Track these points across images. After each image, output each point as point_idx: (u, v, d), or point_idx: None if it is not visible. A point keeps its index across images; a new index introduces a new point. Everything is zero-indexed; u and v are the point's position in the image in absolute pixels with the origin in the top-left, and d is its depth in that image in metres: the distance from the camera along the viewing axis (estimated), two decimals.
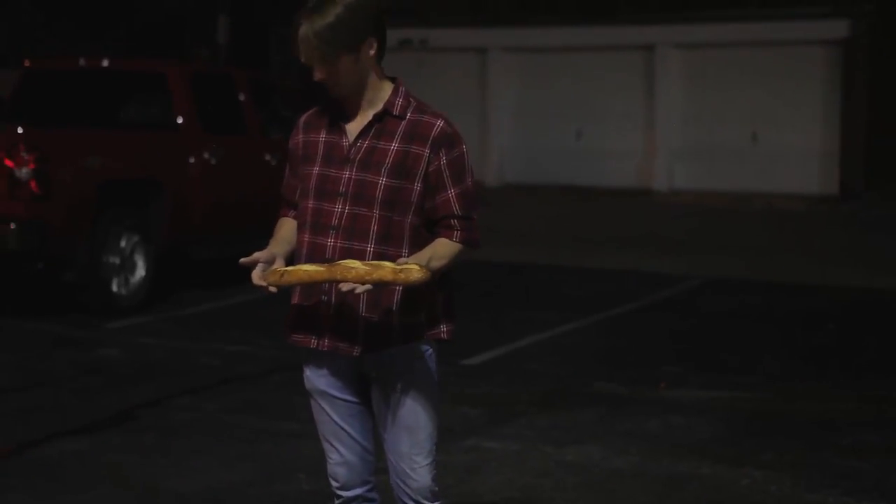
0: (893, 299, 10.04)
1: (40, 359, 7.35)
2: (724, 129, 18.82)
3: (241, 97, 10.18)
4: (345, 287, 2.99)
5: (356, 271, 2.98)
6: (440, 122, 3.17)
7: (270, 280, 3.09)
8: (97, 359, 7.35)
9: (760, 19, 18.28)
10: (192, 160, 9.43)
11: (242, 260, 3.17)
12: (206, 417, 6.03)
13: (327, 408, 3.31)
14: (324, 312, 3.18)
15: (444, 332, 3.26)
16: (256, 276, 3.13)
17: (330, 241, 3.15)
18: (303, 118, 3.34)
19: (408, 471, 3.28)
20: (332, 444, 3.33)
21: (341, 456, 3.32)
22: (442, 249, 3.16)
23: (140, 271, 8.89)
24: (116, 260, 8.69)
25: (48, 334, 8.03)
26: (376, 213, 3.14)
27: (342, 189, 3.16)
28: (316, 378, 3.30)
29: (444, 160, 3.16)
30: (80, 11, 17.54)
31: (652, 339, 8.25)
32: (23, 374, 6.96)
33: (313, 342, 3.22)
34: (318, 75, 3.14)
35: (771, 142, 18.48)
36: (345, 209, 3.15)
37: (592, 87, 19.43)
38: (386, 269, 2.97)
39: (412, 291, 3.14)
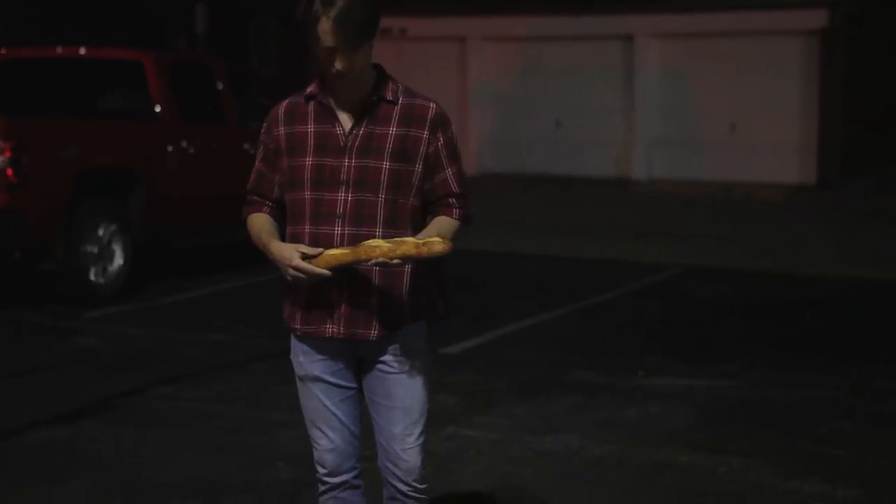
0: (871, 288, 10.10)
1: (19, 348, 7.32)
2: (703, 119, 18.87)
3: (219, 86, 10.15)
4: (376, 261, 3.03)
5: (381, 249, 3.04)
6: (433, 105, 3.25)
7: (322, 267, 3.11)
8: (76, 348, 7.33)
9: (739, 9, 18.33)
10: (170, 149, 9.40)
11: (304, 248, 3.12)
12: (187, 406, 6.02)
13: (320, 393, 3.31)
14: (336, 299, 3.19)
15: (441, 309, 3.33)
16: (304, 264, 3.09)
17: (337, 230, 3.17)
18: (281, 110, 3.30)
19: (399, 452, 3.31)
20: (321, 431, 3.34)
21: (330, 442, 3.34)
22: (446, 226, 3.22)
23: (118, 260, 8.87)
24: (94, 249, 8.66)
25: (26, 324, 8.00)
26: (381, 197, 3.17)
27: (343, 177, 3.17)
28: (310, 364, 3.30)
29: (441, 141, 3.23)
30: (58, 4, 17.44)
31: (631, 328, 8.28)
32: (1, 363, 6.93)
33: (329, 330, 3.22)
34: (339, 65, 3.10)
35: (749, 132, 18.54)
36: (348, 196, 3.17)
37: (572, 77, 19.45)
38: (409, 244, 3.04)
39: (419, 271, 3.20)
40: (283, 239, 3.27)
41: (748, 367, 7.10)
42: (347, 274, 3.15)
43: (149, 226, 9.18)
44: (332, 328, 3.22)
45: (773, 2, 18.12)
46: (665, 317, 8.72)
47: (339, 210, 3.17)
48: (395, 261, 3.03)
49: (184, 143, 9.50)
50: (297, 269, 3.10)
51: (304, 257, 3.11)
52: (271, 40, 23.79)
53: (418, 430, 3.32)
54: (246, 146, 9.89)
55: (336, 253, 3.09)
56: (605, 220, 14.72)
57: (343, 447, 3.35)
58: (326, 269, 3.09)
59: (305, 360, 3.31)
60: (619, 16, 19.09)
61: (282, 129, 3.27)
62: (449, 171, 3.25)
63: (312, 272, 3.09)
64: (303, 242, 3.19)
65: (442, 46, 20.33)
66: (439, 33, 20.30)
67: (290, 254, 3.12)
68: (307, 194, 3.20)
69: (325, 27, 3.08)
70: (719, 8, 18.42)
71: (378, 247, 3.04)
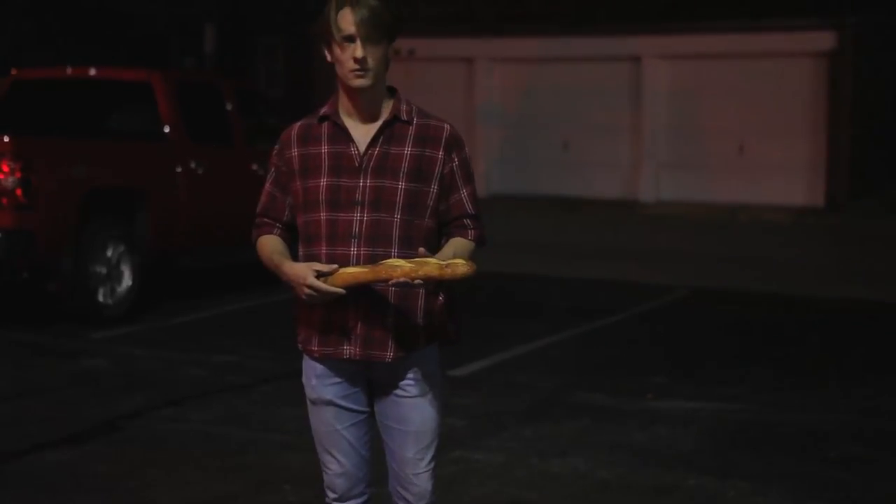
0: (879, 310, 10.07)
1: (25, 369, 7.32)
2: (711, 141, 18.88)
3: (228, 106, 10.18)
4: (396, 280, 3.00)
5: (402, 269, 3.00)
6: (448, 126, 3.26)
7: (336, 286, 3.07)
8: (82, 369, 7.32)
9: (746, 31, 18.35)
10: (178, 169, 9.42)
11: (318, 267, 3.09)
12: (192, 428, 6.01)
13: (332, 418, 3.28)
14: (352, 320, 3.17)
15: (452, 332, 3.31)
16: (319, 283, 3.06)
17: (353, 250, 3.15)
18: (294, 132, 3.28)
19: (411, 476, 3.30)
20: (332, 455, 3.31)
21: (341, 466, 3.31)
22: (462, 248, 3.21)
23: (126, 281, 8.87)
24: (102, 269, 8.66)
25: (33, 344, 8.00)
26: (397, 217, 3.16)
27: (359, 198, 3.16)
28: (323, 388, 3.27)
29: (456, 162, 3.24)
30: (69, 23, 17.53)
31: (638, 350, 8.26)
32: (7, 384, 6.92)
33: (346, 352, 3.20)
34: (359, 52, 3.09)
35: (757, 153, 18.54)
36: (364, 217, 3.16)
37: (579, 98, 19.48)
38: (432, 265, 3.00)
39: (432, 293, 3.19)
40: (295, 260, 3.25)
41: (756, 389, 7.07)
42: (363, 294, 3.13)
43: (156, 246, 9.18)
44: (349, 349, 3.20)
45: (781, 24, 18.14)
46: (672, 339, 8.70)
47: (355, 230, 3.16)
48: (416, 281, 3.01)
49: (192, 164, 9.51)
50: (311, 287, 3.07)
51: (319, 275, 3.08)
52: (279, 60, 23.88)
53: (430, 454, 3.31)
54: (254, 167, 9.92)
55: (354, 271, 3.06)
56: (611, 242, 14.71)
57: (353, 472, 3.32)
58: (343, 287, 3.06)
59: (318, 384, 3.28)
60: (626, 37, 19.13)
61: (295, 151, 3.25)
62: (464, 192, 3.25)
63: (328, 291, 3.07)
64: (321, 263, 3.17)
65: (450, 67, 20.38)
66: (447, 54, 20.35)
67: (304, 272, 3.10)
68: (322, 215, 3.18)
69: (347, 17, 3.09)
70: (727, 30, 18.45)
71: (399, 266, 3.01)
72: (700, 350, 8.30)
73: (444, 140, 3.22)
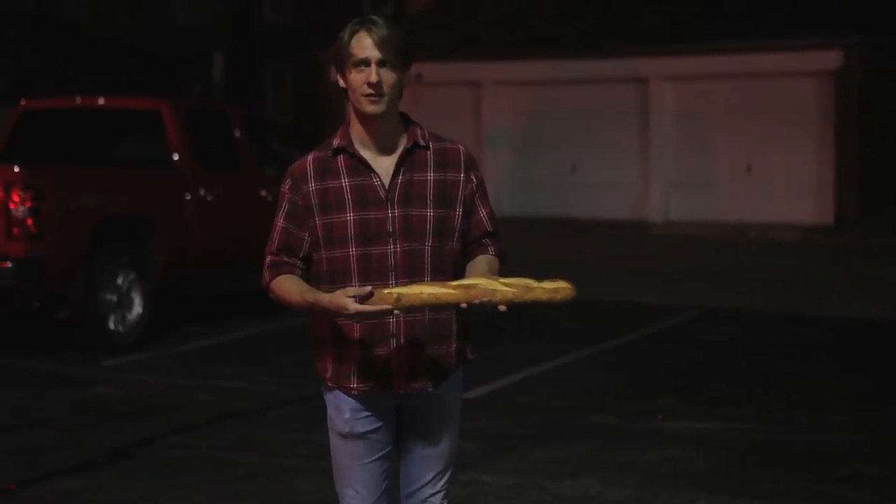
0: (889, 329, 10.05)
1: (36, 397, 7.34)
2: (719, 161, 18.90)
3: (237, 133, 10.23)
4: (500, 307, 2.93)
5: (502, 293, 2.92)
6: (462, 147, 3.24)
7: (384, 304, 2.90)
8: (93, 397, 7.35)
9: (752, 51, 18.39)
10: (188, 197, 9.46)
11: (353, 292, 2.92)
12: (203, 454, 6.02)
13: (361, 450, 3.22)
14: (394, 355, 3.13)
15: (470, 353, 3.31)
16: (354, 304, 2.90)
17: (392, 283, 3.08)
18: (309, 166, 3.15)
19: (429, 497, 3.30)
20: (354, 490, 3.25)
21: (360, 497, 3.26)
22: (493, 266, 3.22)
23: (137, 308, 8.90)
24: (113, 297, 8.70)
25: (44, 372, 8.03)
26: (428, 245, 3.14)
27: (390, 229, 3.11)
28: (356, 421, 3.20)
29: (474, 182, 3.23)
30: (77, 54, 17.65)
31: (648, 371, 8.25)
32: (19, 412, 6.95)
33: (387, 385, 3.13)
34: (374, 76, 3.05)
35: (765, 172, 18.55)
36: (397, 248, 3.12)
37: (587, 120, 19.52)
38: (538, 290, 2.95)
39: (462, 319, 3.17)
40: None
41: (766, 409, 7.06)
42: (399, 324, 3.10)
43: (166, 274, 9.22)
44: (392, 383, 3.14)
45: (787, 44, 18.17)
46: (681, 359, 8.69)
47: (392, 262, 3.10)
48: (501, 308, 2.93)
49: (201, 191, 9.56)
50: (360, 313, 2.93)
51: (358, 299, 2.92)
52: (287, 87, 23.97)
53: (448, 475, 3.33)
54: (263, 193, 9.95)
55: (436, 292, 2.90)
56: (620, 263, 14.70)
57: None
58: (420, 305, 2.94)
59: (352, 418, 3.19)
60: (632, 59, 19.19)
61: (312, 185, 3.13)
62: (483, 212, 3.24)
63: (376, 311, 2.92)
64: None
65: (457, 91, 20.44)
66: (454, 78, 20.42)
67: (343, 302, 2.92)
68: (353, 251, 3.11)
69: (362, 42, 3.06)
70: (733, 50, 18.50)
71: (499, 290, 2.90)
72: (709, 370, 8.29)
73: (462, 162, 3.21)
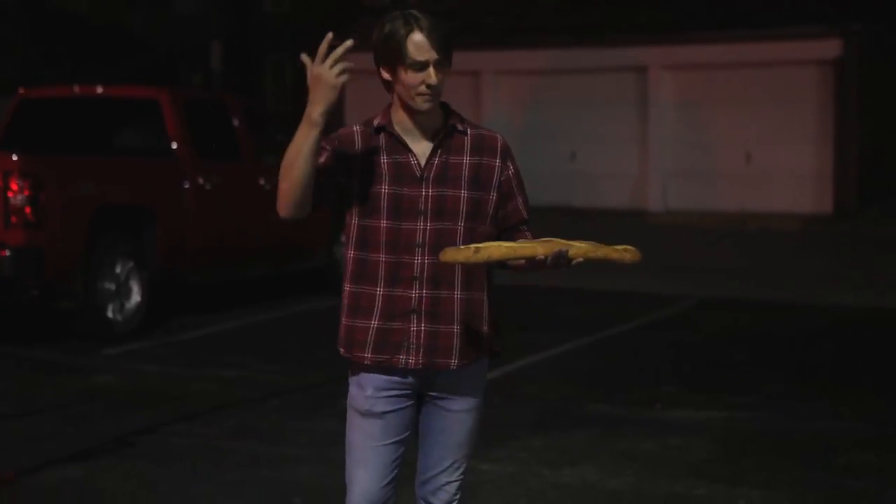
0: (889, 318, 10.05)
1: (36, 386, 7.34)
2: (718, 150, 18.89)
3: (235, 123, 10.21)
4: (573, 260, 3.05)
5: (577, 247, 3.03)
6: (500, 136, 3.33)
7: (459, 257, 3.01)
8: (93, 386, 7.35)
9: (752, 40, 18.37)
10: (186, 186, 9.45)
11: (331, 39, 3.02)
12: (203, 443, 6.02)
13: (378, 432, 3.22)
14: (416, 329, 3.17)
15: (497, 346, 3.33)
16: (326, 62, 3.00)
17: (417, 259, 3.16)
18: (357, 134, 3.20)
19: (444, 485, 3.31)
20: (363, 470, 3.24)
21: (370, 481, 3.24)
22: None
23: (135, 297, 8.89)
24: (112, 286, 8.69)
25: (44, 361, 8.03)
26: (461, 225, 3.19)
27: (422, 207, 3.17)
28: (376, 400, 3.21)
29: (511, 170, 3.31)
30: (76, 42, 17.62)
31: (647, 360, 8.25)
32: (18, 401, 6.95)
33: (401, 361, 3.16)
34: (434, 79, 3.11)
35: (765, 162, 18.54)
36: (427, 226, 3.17)
37: (586, 109, 19.50)
38: (607, 249, 3.07)
39: (489, 303, 3.24)
40: (341, 288, 3.22)
41: (765, 398, 7.06)
42: (428, 301, 3.15)
43: (165, 262, 9.21)
44: (407, 359, 3.17)
45: (787, 33, 18.15)
46: (681, 348, 8.69)
47: (419, 239, 3.17)
48: (576, 261, 3.04)
49: (200, 180, 9.55)
50: (323, 65, 3.01)
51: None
52: (287, 77, 23.94)
53: (466, 462, 3.35)
54: (262, 182, 9.94)
55: (513, 245, 3.03)
56: None
57: (381, 488, 3.24)
58: (499, 259, 3.04)
59: (373, 395, 3.20)
60: (632, 48, 19.16)
61: (359, 148, 3.19)
62: (519, 200, 3.31)
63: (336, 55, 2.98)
64: (377, 271, 3.15)
65: (456, 81, 20.28)
66: (454, 67, 20.32)
67: (316, 71, 3.02)
68: (384, 223, 3.17)
69: (419, 41, 3.10)
70: (732, 39, 18.47)
71: (575, 245, 3.02)
72: (710, 359, 8.30)
73: (499, 149, 3.29)
